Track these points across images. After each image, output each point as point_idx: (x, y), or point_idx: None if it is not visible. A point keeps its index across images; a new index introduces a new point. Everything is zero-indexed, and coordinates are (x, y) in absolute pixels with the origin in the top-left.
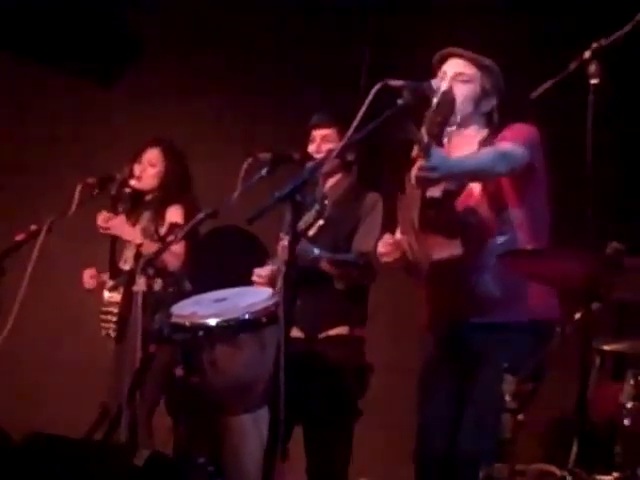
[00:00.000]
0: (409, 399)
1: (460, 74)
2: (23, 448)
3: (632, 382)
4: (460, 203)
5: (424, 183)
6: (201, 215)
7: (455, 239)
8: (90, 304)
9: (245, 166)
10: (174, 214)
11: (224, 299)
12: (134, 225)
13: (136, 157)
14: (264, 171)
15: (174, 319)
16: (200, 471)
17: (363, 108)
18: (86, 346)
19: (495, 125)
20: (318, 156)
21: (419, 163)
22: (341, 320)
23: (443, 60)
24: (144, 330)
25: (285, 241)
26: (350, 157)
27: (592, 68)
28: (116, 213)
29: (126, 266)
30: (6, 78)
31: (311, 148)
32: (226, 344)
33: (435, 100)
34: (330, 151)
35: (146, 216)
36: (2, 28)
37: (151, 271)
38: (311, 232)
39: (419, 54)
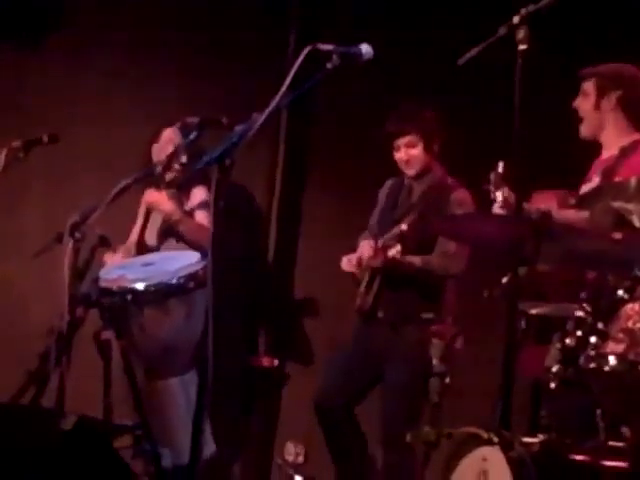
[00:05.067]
0: None
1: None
2: None
3: (558, 345)
4: None
5: None
6: (127, 180)
7: None
8: (9, 268)
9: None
10: (199, 195)
11: (152, 263)
12: None
13: (154, 138)
14: (192, 135)
15: (102, 283)
16: (128, 435)
17: (292, 71)
18: (7, 311)
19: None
20: (407, 164)
21: None
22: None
23: None
24: (71, 294)
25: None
26: (436, 148)
27: (521, 33)
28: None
29: (152, 241)
30: None
31: (398, 156)
32: (154, 308)
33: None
34: (257, 117)
35: (168, 194)
36: None
37: (78, 235)
38: (390, 253)
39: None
